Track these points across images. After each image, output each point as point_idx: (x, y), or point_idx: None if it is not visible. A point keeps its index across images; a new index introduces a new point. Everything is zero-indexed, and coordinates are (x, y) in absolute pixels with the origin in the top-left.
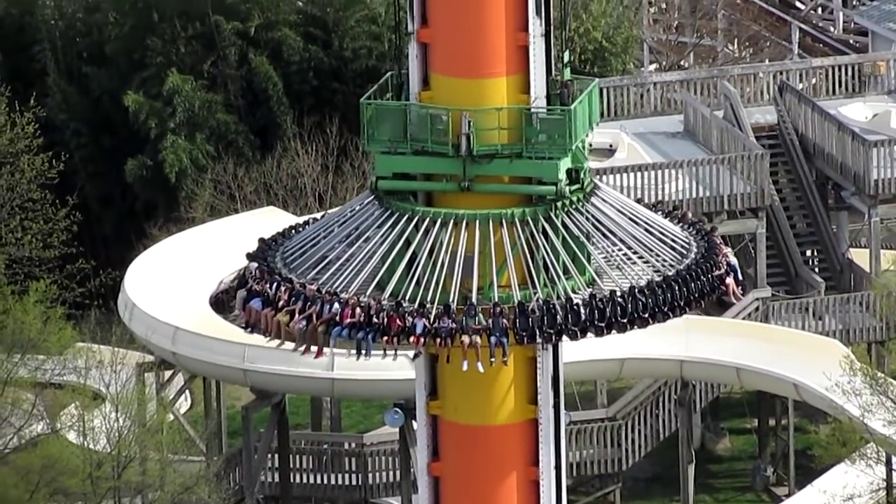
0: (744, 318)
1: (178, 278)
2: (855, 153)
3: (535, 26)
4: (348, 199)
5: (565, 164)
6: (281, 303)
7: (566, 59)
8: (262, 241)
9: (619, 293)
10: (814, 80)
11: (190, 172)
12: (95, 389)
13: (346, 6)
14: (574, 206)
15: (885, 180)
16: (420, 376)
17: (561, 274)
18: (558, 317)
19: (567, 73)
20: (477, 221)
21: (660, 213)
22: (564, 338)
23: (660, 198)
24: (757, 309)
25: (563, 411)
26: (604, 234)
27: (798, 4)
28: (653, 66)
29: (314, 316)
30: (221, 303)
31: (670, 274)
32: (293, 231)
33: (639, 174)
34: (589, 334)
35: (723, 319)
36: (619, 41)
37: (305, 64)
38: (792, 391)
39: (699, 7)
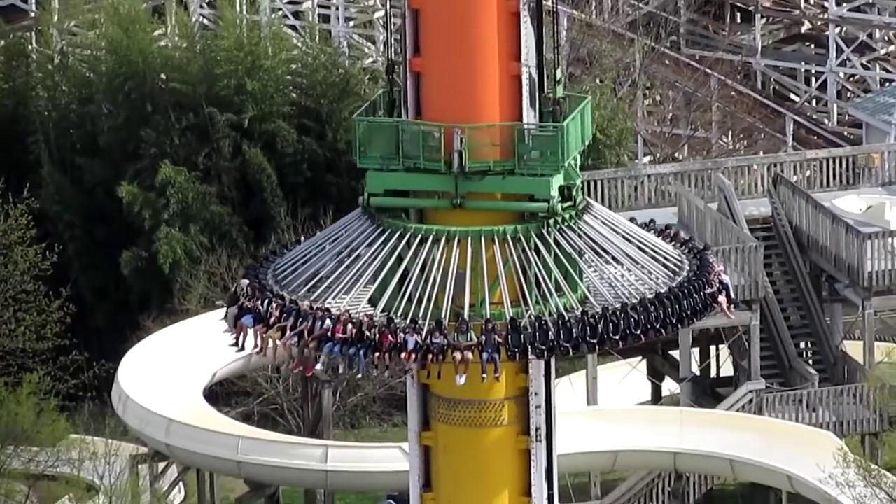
0: (737, 410)
1: (172, 370)
2: (849, 245)
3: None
4: None
5: (557, 180)
6: (273, 319)
7: (558, 76)
8: (253, 259)
9: (610, 310)
10: (808, 173)
11: (184, 264)
12: (89, 481)
13: (339, 98)
14: (566, 224)
15: (879, 272)
16: (414, 468)
17: (553, 291)
18: (550, 333)
19: (559, 91)
20: (469, 238)
21: (652, 231)
22: (556, 354)
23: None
24: (751, 401)
25: (556, 503)
26: (596, 252)
27: (792, 97)
28: (647, 159)
29: (306, 332)
30: (215, 394)
31: (662, 291)
32: (285, 249)
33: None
34: (581, 350)
35: (716, 411)
36: (614, 133)
37: (299, 156)
38: (786, 483)
39: (694, 99)
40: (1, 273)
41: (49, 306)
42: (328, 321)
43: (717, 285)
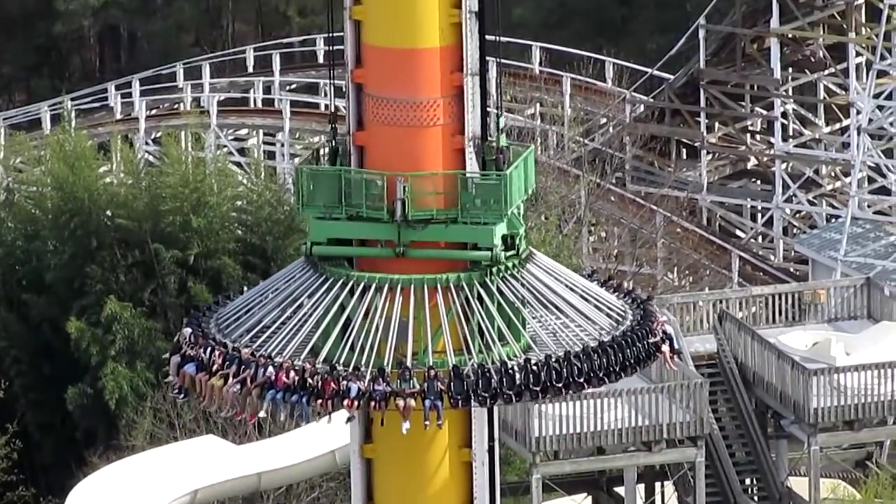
0: None
1: None
2: (795, 382)
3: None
4: (288, 429)
5: (501, 229)
6: (215, 367)
7: (501, 124)
8: (195, 309)
9: (554, 358)
10: (754, 309)
11: (130, 400)
12: None
13: (284, 235)
14: (509, 272)
15: (825, 409)
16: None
17: (496, 339)
18: (493, 381)
19: (503, 140)
20: (412, 286)
21: (595, 281)
22: (499, 401)
23: (600, 427)
24: None
25: None
26: (539, 301)
27: (738, 233)
28: None
29: (248, 379)
30: None
31: (605, 340)
32: (227, 299)
33: (578, 403)
34: (524, 398)
35: None
36: None
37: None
38: None
39: (639, 236)
40: None
41: None
42: (270, 368)
43: (661, 335)
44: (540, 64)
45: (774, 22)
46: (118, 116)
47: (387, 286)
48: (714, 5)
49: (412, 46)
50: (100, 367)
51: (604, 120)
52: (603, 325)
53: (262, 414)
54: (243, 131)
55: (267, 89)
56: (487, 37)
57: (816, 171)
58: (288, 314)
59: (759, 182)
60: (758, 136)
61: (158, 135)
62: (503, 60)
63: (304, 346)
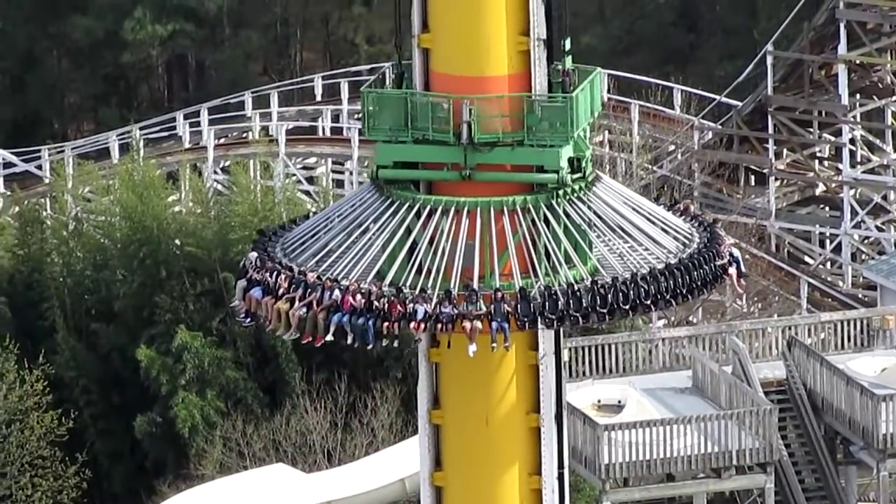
0: None
1: None
2: (864, 408)
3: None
4: (358, 457)
5: (567, 152)
6: (281, 291)
7: (567, 47)
8: (261, 232)
9: (621, 280)
10: (822, 335)
11: (201, 429)
12: None
13: None
14: (576, 195)
15: (894, 435)
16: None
17: (563, 262)
18: (560, 302)
19: (569, 62)
20: (478, 209)
21: (662, 205)
22: (566, 323)
23: (669, 454)
24: None
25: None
26: (606, 224)
27: (807, 259)
28: (661, 322)
29: (314, 303)
30: None
31: (672, 262)
32: (294, 224)
33: (647, 430)
34: (591, 319)
35: None
36: None
37: None
38: None
39: None
40: (17, 439)
41: (65, 472)
42: (337, 292)
43: (728, 257)
44: (608, 91)
45: (842, 48)
46: (186, 145)
47: (453, 209)
48: (782, 32)
49: (480, 74)
50: (170, 397)
51: (672, 147)
52: (670, 248)
53: (329, 337)
54: (312, 160)
55: (335, 118)
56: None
57: (884, 197)
58: (354, 238)
59: (827, 208)
60: (826, 163)
61: (227, 164)
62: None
63: (371, 270)
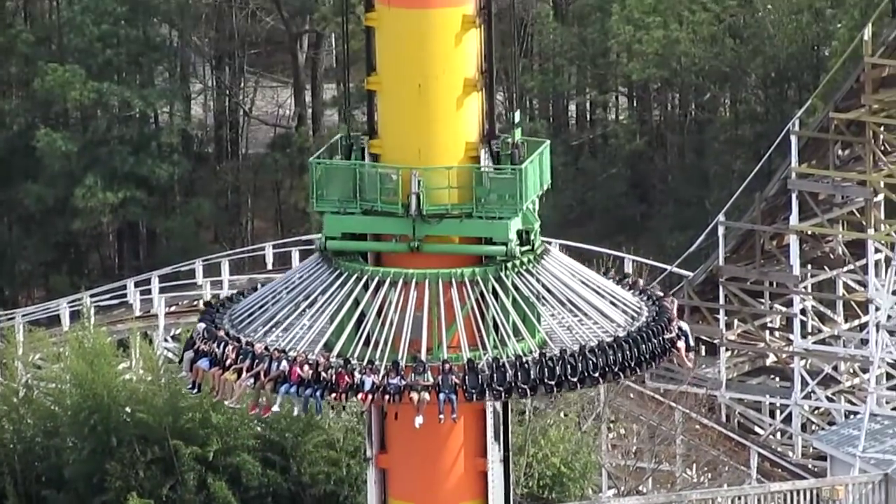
0: None
1: None
2: None
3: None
4: None
5: (516, 224)
6: (228, 361)
7: (517, 119)
8: (208, 304)
9: (569, 352)
10: None
11: None
12: None
13: (304, 431)
14: (525, 267)
15: None
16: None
17: (511, 334)
18: (508, 374)
19: (518, 134)
20: (427, 281)
21: (611, 279)
22: (514, 395)
23: None
24: None
25: None
26: (554, 297)
27: (757, 430)
28: (611, 492)
29: (262, 373)
30: None
31: (621, 335)
32: (241, 296)
33: None
34: (539, 392)
35: None
36: (578, 467)
37: (264, 489)
38: None
39: (658, 433)
40: None
41: None
42: (284, 362)
43: (677, 331)
44: None
45: (794, 219)
46: (137, 313)
47: (401, 281)
48: (733, 202)
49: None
50: None
51: None
52: (618, 321)
53: (275, 408)
54: None
55: None
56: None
57: (835, 368)
58: (302, 309)
59: (777, 378)
60: (777, 333)
61: (178, 331)
62: None
63: (319, 341)
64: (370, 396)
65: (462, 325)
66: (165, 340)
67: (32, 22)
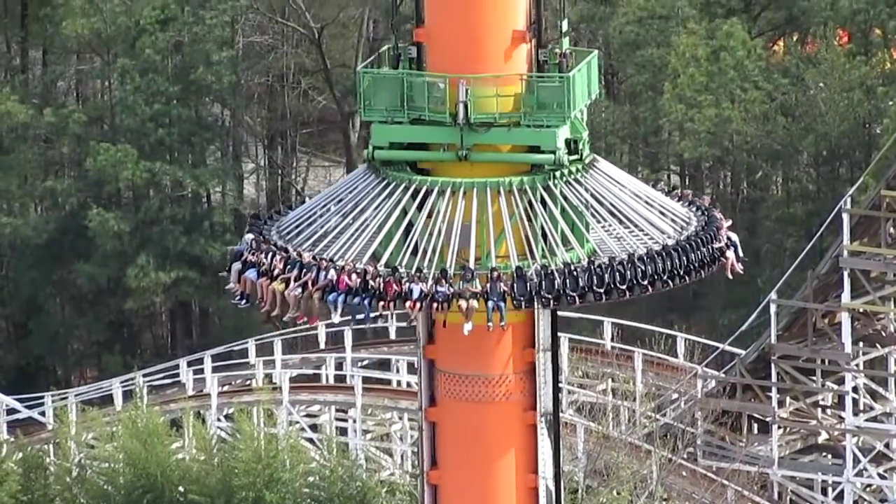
0: None
1: None
2: None
3: None
4: None
5: (564, 132)
6: (276, 271)
7: (565, 28)
8: (255, 216)
9: (617, 259)
10: None
11: None
12: None
13: None
14: (573, 177)
15: None
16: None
17: (560, 243)
18: (556, 282)
19: (566, 43)
20: (475, 190)
21: (661, 191)
22: (563, 302)
23: None
24: None
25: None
26: (603, 206)
27: None
28: None
29: (310, 283)
30: None
31: (670, 243)
32: (288, 209)
33: None
34: (588, 299)
35: None
36: None
37: None
38: None
39: None
40: None
41: None
42: (332, 271)
43: (726, 240)
44: (612, 339)
45: (846, 296)
46: (190, 392)
47: (449, 189)
48: (785, 281)
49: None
50: None
51: (675, 395)
52: (667, 231)
53: (336, 318)
54: (315, 407)
55: (339, 366)
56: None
57: (887, 445)
58: (350, 220)
59: (830, 456)
60: (829, 411)
61: (230, 411)
62: (575, 336)
63: (367, 251)
64: (419, 304)
65: (511, 233)
66: (218, 420)
67: (84, 102)
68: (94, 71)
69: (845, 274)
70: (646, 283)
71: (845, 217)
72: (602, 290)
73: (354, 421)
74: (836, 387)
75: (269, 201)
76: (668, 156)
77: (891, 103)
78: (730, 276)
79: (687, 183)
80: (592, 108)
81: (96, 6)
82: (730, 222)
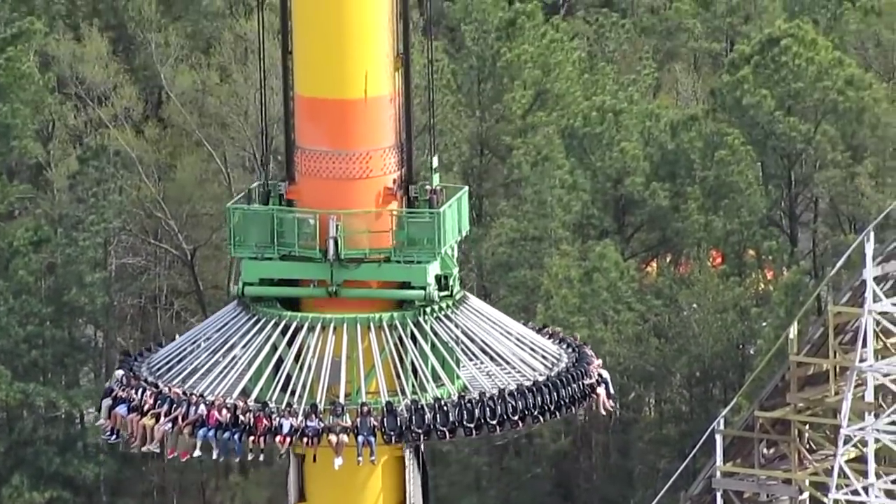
0: None
1: None
2: None
3: None
4: None
5: (434, 268)
6: (147, 407)
7: (435, 164)
8: (125, 353)
9: (488, 395)
10: None
11: None
12: None
13: None
14: (443, 312)
15: None
16: None
17: (430, 379)
18: (427, 417)
19: (436, 179)
20: (345, 326)
21: (531, 329)
22: (433, 437)
23: None
24: None
25: None
26: (473, 342)
27: None
28: None
29: (180, 418)
30: None
31: (540, 379)
32: (158, 346)
33: None
34: (458, 434)
35: None
36: None
37: None
38: None
39: None
40: None
41: None
42: (202, 406)
43: (597, 377)
44: None
45: None
46: None
47: (319, 325)
48: (658, 502)
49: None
50: None
51: None
52: (538, 368)
53: (197, 452)
54: None
55: None
56: None
57: None
58: (220, 356)
59: None
60: None
61: None
62: None
63: (237, 387)
64: (289, 439)
65: (381, 369)
66: None
67: None
68: None
69: (718, 495)
70: (516, 418)
71: (718, 438)
72: (472, 426)
73: None
74: None
75: None
76: None
77: (764, 324)
78: (603, 413)
79: None
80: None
81: None
82: (599, 361)
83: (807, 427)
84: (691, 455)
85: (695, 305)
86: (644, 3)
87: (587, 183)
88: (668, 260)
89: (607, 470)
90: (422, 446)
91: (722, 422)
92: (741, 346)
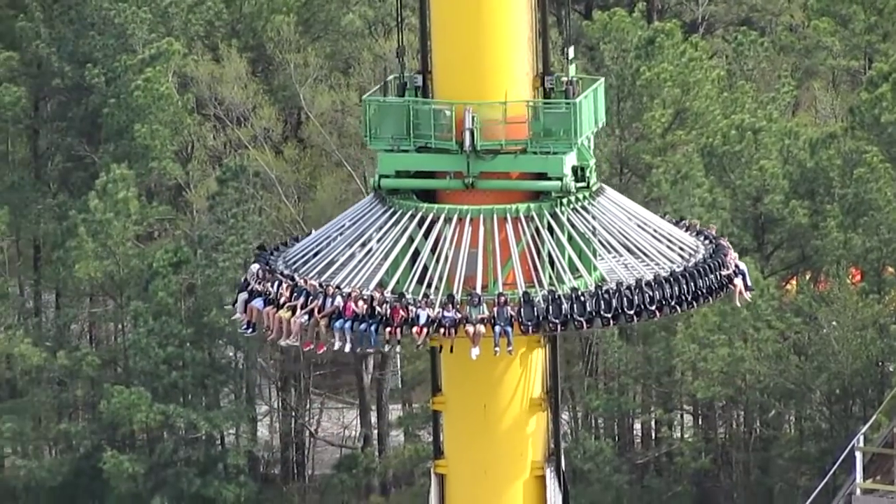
0: None
1: None
2: None
3: None
4: None
5: (570, 159)
6: (283, 300)
7: (571, 55)
8: (262, 247)
9: (625, 285)
10: None
11: None
12: None
13: None
14: (580, 204)
15: None
16: None
17: (567, 270)
18: (563, 307)
19: (572, 70)
20: (481, 217)
21: (668, 221)
22: (570, 328)
23: None
24: None
25: None
26: (611, 233)
27: None
28: None
29: (316, 310)
30: None
31: (678, 269)
32: (295, 241)
33: None
34: (595, 324)
35: None
36: None
37: None
38: None
39: None
40: None
41: None
42: (339, 298)
43: (734, 268)
44: None
45: None
46: None
47: (456, 217)
48: None
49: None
50: None
51: None
52: (674, 259)
53: (337, 344)
54: None
55: None
56: None
57: None
58: (356, 249)
59: None
60: None
61: None
62: None
63: (373, 279)
64: (425, 330)
65: (518, 260)
66: None
67: (97, 344)
68: (107, 314)
69: None
70: (654, 308)
71: (858, 455)
72: (610, 315)
73: None
74: None
75: (283, 444)
76: (681, 395)
77: None
78: (737, 304)
79: (700, 423)
80: (606, 348)
81: (109, 249)
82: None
83: None
84: (831, 472)
85: (834, 323)
86: (783, 21)
87: (726, 201)
88: (807, 277)
89: (748, 488)
90: (562, 465)
91: (862, 439)
92: (880, 363)
